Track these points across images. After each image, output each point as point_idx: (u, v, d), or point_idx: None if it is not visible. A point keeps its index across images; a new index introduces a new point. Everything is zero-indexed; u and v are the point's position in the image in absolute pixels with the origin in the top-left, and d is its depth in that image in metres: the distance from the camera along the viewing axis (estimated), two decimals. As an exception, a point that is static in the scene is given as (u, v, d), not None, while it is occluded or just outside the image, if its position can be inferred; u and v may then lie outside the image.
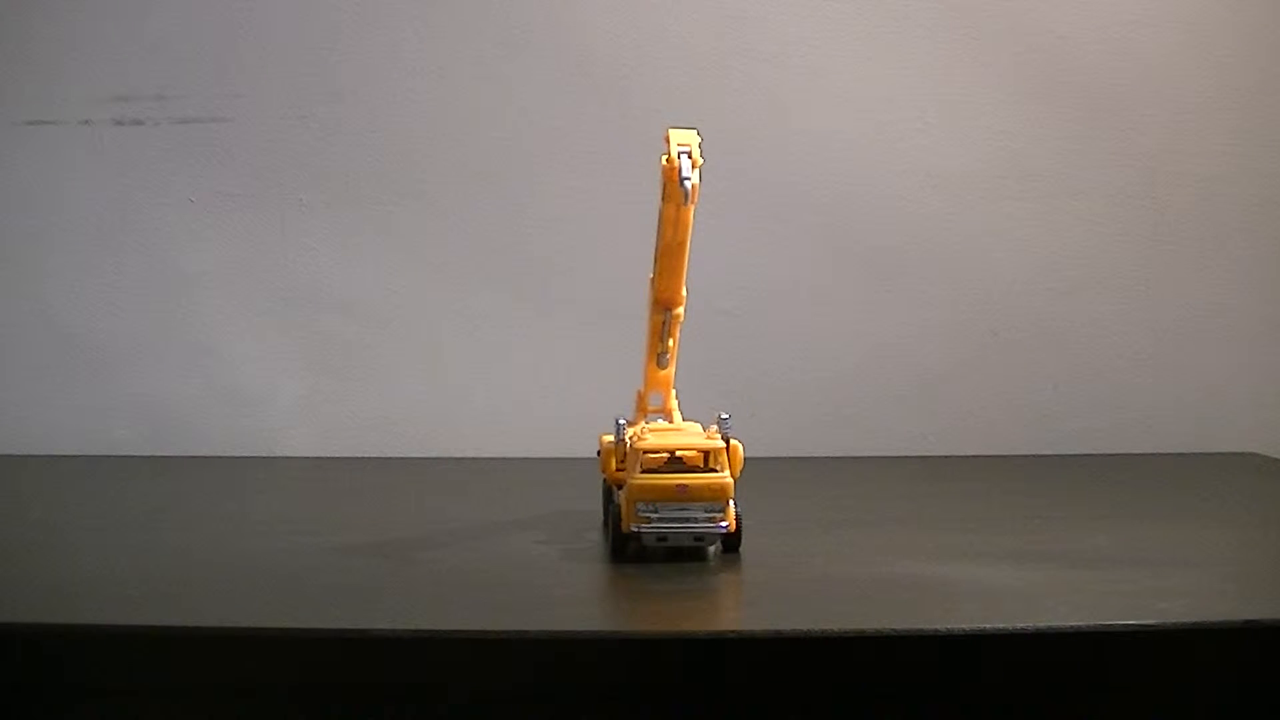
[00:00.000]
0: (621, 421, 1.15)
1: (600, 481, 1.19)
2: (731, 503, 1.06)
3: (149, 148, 1.57)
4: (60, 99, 1.57)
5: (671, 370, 1.17)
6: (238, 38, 1.57)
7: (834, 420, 1.59)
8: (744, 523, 1.08)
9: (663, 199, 1.09)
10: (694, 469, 1.07)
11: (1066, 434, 1.59)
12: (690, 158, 1.06)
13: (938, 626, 0.89)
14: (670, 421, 1.17)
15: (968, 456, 1.57)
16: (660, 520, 1.06)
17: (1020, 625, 0.89)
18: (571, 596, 1.00)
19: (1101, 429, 1.59)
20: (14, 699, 0.89)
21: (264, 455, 1.58)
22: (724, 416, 1.10)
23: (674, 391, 1.18)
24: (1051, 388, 1.60)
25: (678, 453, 1.08)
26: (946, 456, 1.57)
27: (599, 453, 1.17)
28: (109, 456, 1.57)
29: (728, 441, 1.09)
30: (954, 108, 1.58)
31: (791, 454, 1.53)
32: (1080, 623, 0.90)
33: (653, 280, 1.13)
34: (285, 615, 0.96)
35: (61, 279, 1.59)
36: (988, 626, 0.89)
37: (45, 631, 0.90)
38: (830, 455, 1.57)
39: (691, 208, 1.07)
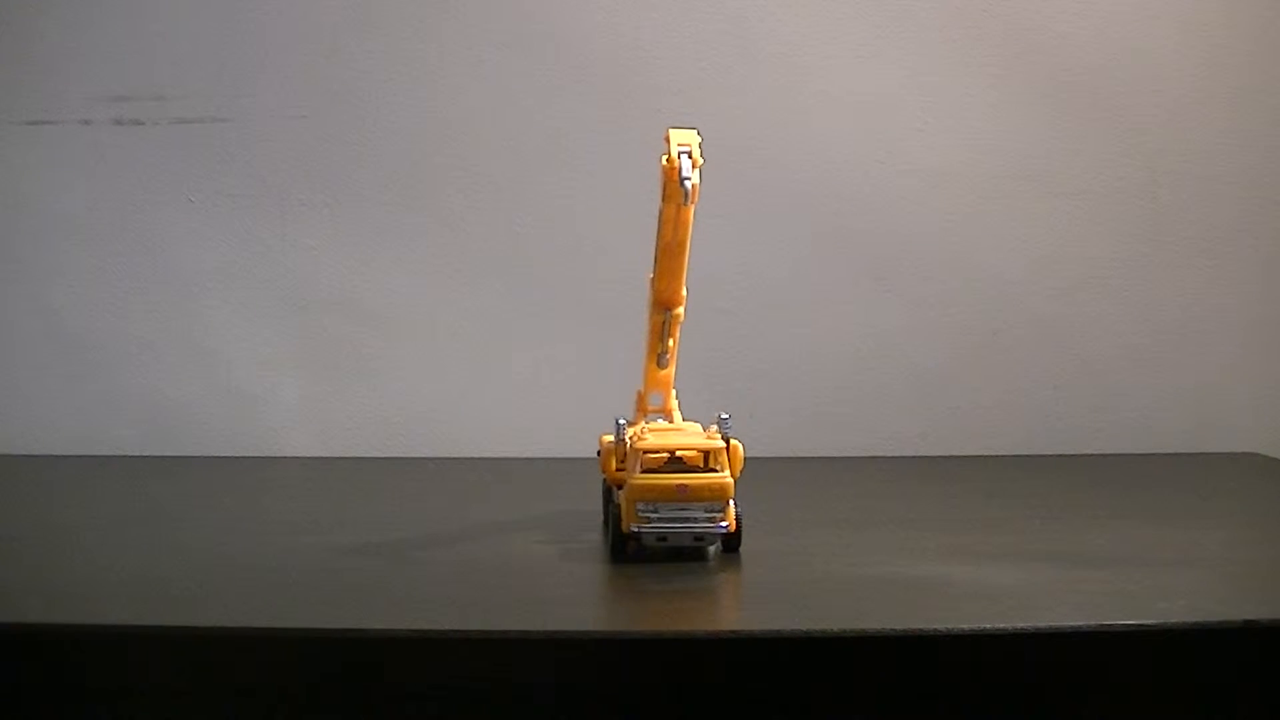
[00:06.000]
0: (621, 421, 1.15)
1: (600, 481, 1.19)
2: (731, 503, 1.06)
3: (149, 148, 1.57)
4: (60, 99, 1.57)
5: (671, 370, 1.17)
6: (238, 38, 1.57)
7: (834, 420, 1.59)
8: (744, 523, 1.08)
9: (663, 199, 1.09)
10: (694, 469, 1.07)
11: (1066, 434, 1.59)
12: (690, 158, 1.06)
13: (938, 626, 0.89)
14: (670, 421, 1.17)
15: (968, 456, 1.57)
16: (660, 520, 1.06)
17: (1020, 625, 0.89)
18: (571, 596, 1.00)
19: (1101, 429, 1.59)
20: (14, 699, 0.89)
21: (264, 455, 1.58)
22: (724, 416, 1.10)
23: (674, 391, 1.18)
24: (1051, 388, 1.60)
25: (678, 453, 1.08)
26: (946, 456, 1.57)
27: (599, 453, 1.17)
28: (110, 456, 1.57)
29: (728, 441, 1.09)
30: (954, 107, 1.58)
31: (791, 454, 1.53)
32: (1080, 623, 0.90)
33: (653, 280, 1.13)
34: (285, 615, 0.96)
35: (62, 279, 1.59)
36: (988, 626, 0.89)
37: (45, 631, 0.90)
38: (830, 455, 1.56)
39: (691, 208, 1.07)
